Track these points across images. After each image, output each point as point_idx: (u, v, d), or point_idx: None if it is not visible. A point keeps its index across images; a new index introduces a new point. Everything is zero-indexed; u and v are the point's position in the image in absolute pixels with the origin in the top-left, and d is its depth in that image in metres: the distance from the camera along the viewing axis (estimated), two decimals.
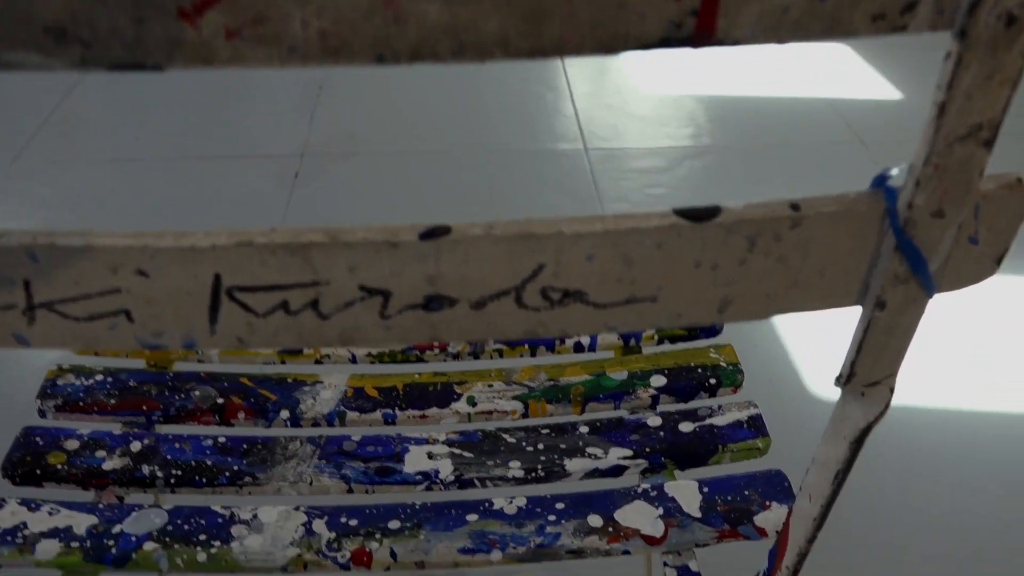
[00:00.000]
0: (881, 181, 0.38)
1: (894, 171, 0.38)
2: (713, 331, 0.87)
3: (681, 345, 0.86)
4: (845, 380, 0.44)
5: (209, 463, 0.73)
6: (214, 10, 0.28)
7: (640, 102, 2.32)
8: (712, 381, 0.81)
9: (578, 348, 0.86)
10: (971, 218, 0.39)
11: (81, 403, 0.78)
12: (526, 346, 0.85)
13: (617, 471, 0.74)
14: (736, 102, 2.31)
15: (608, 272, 0.37)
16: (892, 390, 0.45)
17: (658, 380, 0.81)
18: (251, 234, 0.35)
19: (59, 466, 0.72)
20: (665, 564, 0.68)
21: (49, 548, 0.65)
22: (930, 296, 0.40)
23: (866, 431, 0.46)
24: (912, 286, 0.40)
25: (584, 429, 0.77)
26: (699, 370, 0.82)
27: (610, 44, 0.30)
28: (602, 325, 0.39)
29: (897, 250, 0.38)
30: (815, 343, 1.50)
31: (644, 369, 0.82)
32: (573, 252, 0.36)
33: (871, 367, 0.43)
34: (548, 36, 0.30)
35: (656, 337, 0.87)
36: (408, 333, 0.38)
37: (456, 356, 0.85)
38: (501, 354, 0.85)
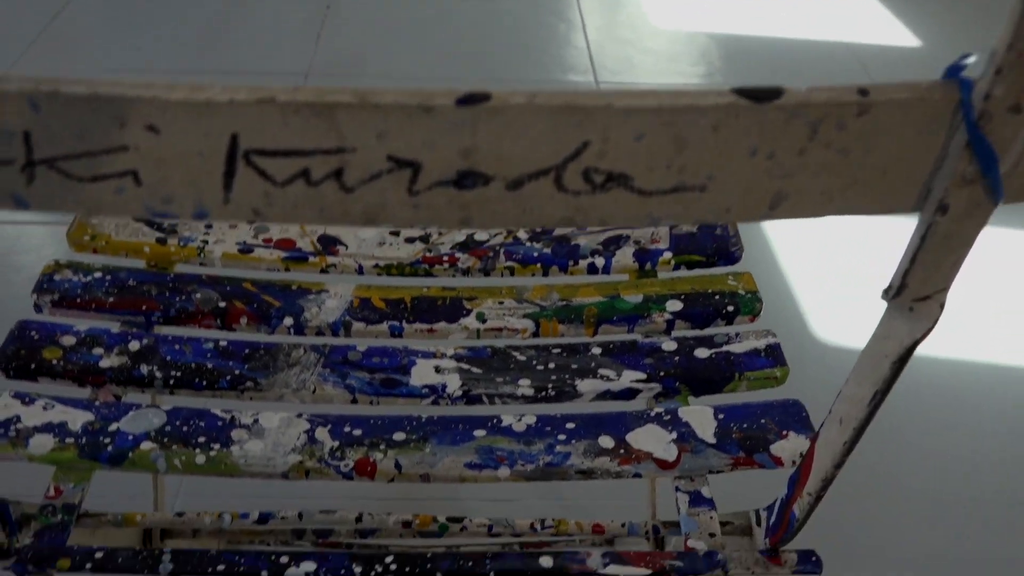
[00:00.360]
0: (956, 71, 0.35)
1: (971, 59, 0.35)
2: (731, 258, 0.84)
3: (698, 271, 0.83)
4: (895, 293, 0.41)
5: (209, 366, 0.71)
6: None
7: (653, 37, 2.27)
8: (730, 308, 0.78)
9: (592, 270, 0.83)
10: None
11: (78, 300, 0.75)
12: (538, 265, 0.82)
13: (630, 394, 0.72)
14: (751, 41, 2.25)
15: (657, 155, 0.34)
16: (942, 306, 0.42)
17: (674, 305, 0.79)
18: (273, 90, 0.32)
19: (55, 361, 0.70)
20: (677, 489, 0.66)
21: (43, 443, 0.63)
22: (996, 203, 0.38)
23: (911, 349, 0.44)
24: (977, 190, 0.37)
25: (597, 350, 0.75)
26: (716, 297, 0.79)
27: None
28: (645, 215, 0.36)
29: (967, 148, 0.35)
30: (837, 279, 1.46)
31: (660, 293, 0.80)
32: (622, 129, 0.33)
33: (924, 280, 0.41)
34: None
35: (672, 263, 0.84)
36: (437, 214, 0.35)
37: (466, 272, 0.82)
38: (512, 272, 0.82)
